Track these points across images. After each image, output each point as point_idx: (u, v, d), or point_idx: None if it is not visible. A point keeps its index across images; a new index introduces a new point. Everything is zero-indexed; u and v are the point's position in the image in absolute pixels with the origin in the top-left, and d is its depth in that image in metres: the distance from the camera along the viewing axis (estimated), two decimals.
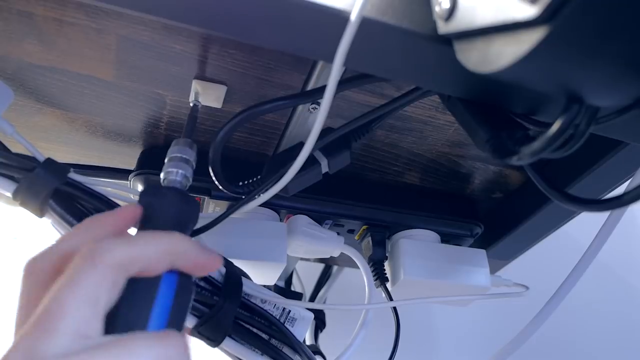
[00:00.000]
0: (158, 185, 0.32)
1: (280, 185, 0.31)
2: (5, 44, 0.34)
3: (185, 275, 0.26)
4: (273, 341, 0.37)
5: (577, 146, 0.22)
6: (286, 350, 0.37)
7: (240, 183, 0.34)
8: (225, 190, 0.34)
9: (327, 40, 0.24)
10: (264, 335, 0.36)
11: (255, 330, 0.36)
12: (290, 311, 0.38)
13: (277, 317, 0.37)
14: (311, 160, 0.35)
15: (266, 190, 0.33)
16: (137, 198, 0.38)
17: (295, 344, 0.37)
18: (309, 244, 0.43)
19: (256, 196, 0.34)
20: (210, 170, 0.33)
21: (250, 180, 0.35)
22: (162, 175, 0.33)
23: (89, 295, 0.21)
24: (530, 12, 0.16)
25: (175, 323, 0.25)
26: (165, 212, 0.29)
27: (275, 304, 0.38)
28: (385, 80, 0.33)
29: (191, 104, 0.37)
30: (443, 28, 0.22)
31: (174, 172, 0.33)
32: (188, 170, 0.33)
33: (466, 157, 0.45)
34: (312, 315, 0.39)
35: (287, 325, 0.38)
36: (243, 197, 0.34)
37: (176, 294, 0.25)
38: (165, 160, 0.34)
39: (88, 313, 0.21)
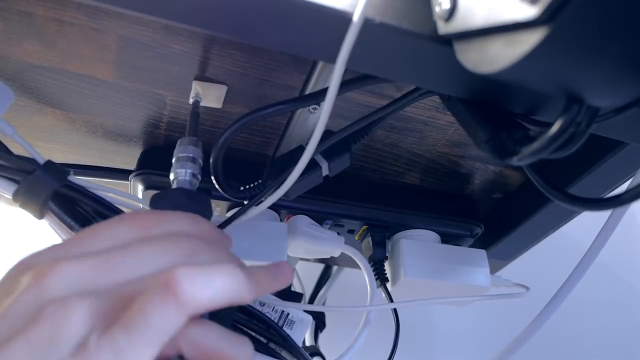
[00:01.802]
0: (167, 189, 0.33)
1: (281, 190, 0.31)
2: (6, 44, 0.34)
3: None
4: (271, 344, 0.37)
5: (577, 146, 0.22)
6: (284, 353, 0.37)
7: (242, 188, 0.35)
8: (227, 196, 0.34)
9: (328, 41, 0.24)
10: (262, 339, 0.36)
11: (253, 333, 0.36)
12: (288, 314, 0.38)
13: (276, 320, 0.37)
14: (312, 164, 0.35)
15: (268, 195, 0.33)
16: (136, 202, 0.38)
17: (293, 348, 0.37)
18: (310, 244, 0.43)
19: (259, 202, 0.34)
20: (212, 177, 0.33)
21: (252, 185, 0.35)
22: (171, 176, 0.34)
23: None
24: (530, 12, 0.16)
25: None
26: None
27: (273, 307, 0.38)
28: (387, 81, 0.33)
29: (192, 100, 0.37)
30: (443, 28, 0.22)
31: (183, 172, 0.33)
32: (196, 169, 0.34)
33: (466, 158, 0.45)
34: (310, 318, 0.39)
35: (285, 328, 0.38)
36: (245, 202, 0.35)
37: None
38: (173, 161, 0.34)
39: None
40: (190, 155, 0.34)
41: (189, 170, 0.33)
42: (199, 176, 0.34)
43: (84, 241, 0.23)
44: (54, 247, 0.23)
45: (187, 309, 0.20)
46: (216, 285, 0.21)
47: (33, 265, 0.22)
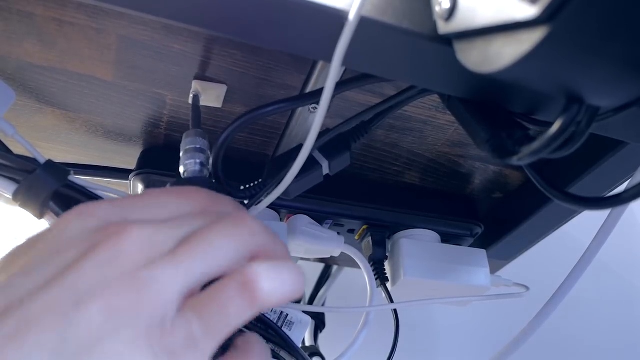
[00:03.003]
0: (184, 178, 0.33)
1: (281, 188, 0.31)
2: (6, 44, 0.34)
3: None
4: (270, 345, 0.37)
5: (577, 146, 0.22)
6: (283, 354, 0.37)
7: (242, 187, 0.35)
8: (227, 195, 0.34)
9: (327, 41, 0.24)
10: None
11: None
12: (287, 315, 0.38)
13: (275, 321, 0.37)
14: (312, 163, 0.35)
15: (268, 194, 0.33)
16: None
17: (292, 349, 0.37)
18: (310, 244, 0.43)
19: (259, 201, 0.34)
20: (213, 175, 0.33)
21: (252, 184, 0.35)
22: (181, 168, 0.34)
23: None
24: (530, 12, 0.16)
25: None
26: None
27: (272, 308, 0.38)
28: (385, 80, 0.34)
29: (192, 96, 0.37)
30: (443, 28, 0.22)
31: (192, 162, 0.33)
32: (205, 159, 0.34)
33: (466, 157, 0.45)
34: (309, 319, 0.39)
35: (284, 329, 0.38)
36: (245, 201, 0.35)
37: None
38: (181, 154, 0.34)
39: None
40: (198, 146, 0.34)
41: (198, 160, 0.33)
42: (208, 167, 0.34)
43: (148, 206, 0.23)
44: (119, 205, 0.22)
45: (261, 307, 0.21)
46: (287, 285, 0.22)
47: (102, 220, 0.21)
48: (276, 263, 0.22)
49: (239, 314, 0.20)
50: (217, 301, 0.20)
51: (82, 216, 0.22)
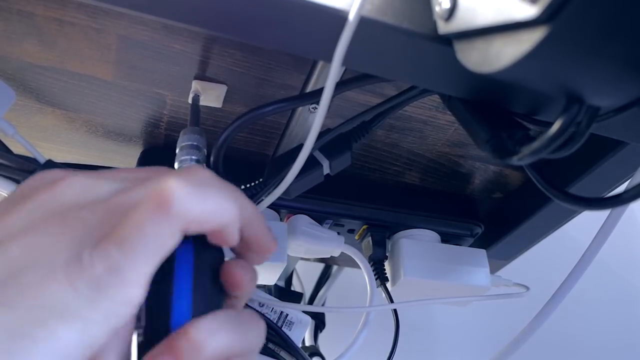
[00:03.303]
0: None
1: (282, 187, 0.31)
2: (6, 44, 0.34)
3: (201, 242, 0.23)
4: (270, 345, 0.37)
5: (577, 146, 0.22)
6: (283, 354, 0.37)
7: (243, 187, 0.35)
8: None
9: (327, 40, 0.24)
10: None
11: None
12: (287, 315, 0.38)
13: (275, 321, 0.37)
14: (313, 162, 0.35)
15: (269, 193, 0.33)
16: None
17: (292, 348, 0.37)
18: (310, 244, 0.43)
19: (260, 200, 0.34)
20: None
21: (253, 184, 0.35)
22: (176, 165, 0.34)
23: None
24: (530, 12, 0.16)
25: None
26: None
27: (272, 308, 0.38)
28: (385, 80, 0.34)
29: (191, 96, 0.37)
30: (443, 28, 0.22)
31: (187, 159, 0.33)
32: (200, 156, 0.34)
33: (466, 157, 0.45)
34: (309, 319, 0.39)
35: (284, 329, 0.38)
36: None
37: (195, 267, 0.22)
38: (177, 151, 0.34)
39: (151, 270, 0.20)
40: (195, 143, 0.34)
41: (193, 157, 0.33)
42: (204, 164, 0.34)
43: (101, 174, 0.23)
44: (74, 171, 0.23)
45: (181, 221, 0.20)
46: (211, 202, 0.21)
47: (51, 177, 0.22)
48: (202, 182, 0.21)
49: (157, 229, 0.19)
50: (132, 223, 0.19)
51: (35, 176, 0.22)
